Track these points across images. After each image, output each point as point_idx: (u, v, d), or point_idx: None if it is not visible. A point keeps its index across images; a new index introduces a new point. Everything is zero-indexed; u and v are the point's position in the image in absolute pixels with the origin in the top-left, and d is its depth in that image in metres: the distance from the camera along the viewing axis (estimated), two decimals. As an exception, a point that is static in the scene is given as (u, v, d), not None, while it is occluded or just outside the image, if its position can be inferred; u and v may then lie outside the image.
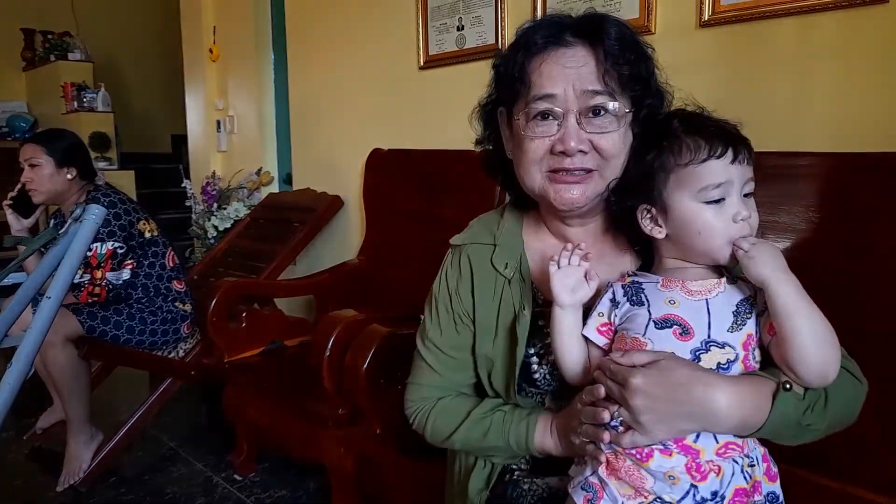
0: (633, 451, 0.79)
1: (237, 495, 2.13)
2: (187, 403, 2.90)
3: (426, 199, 2.31)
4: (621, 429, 0.80)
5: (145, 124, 6.25)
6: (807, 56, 1.51)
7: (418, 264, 2.29)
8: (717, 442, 0.78)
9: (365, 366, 1.62)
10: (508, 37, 1.56)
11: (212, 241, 3.19)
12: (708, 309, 0.81)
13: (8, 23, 5.65)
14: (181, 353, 2.39)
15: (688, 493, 0.77)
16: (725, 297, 0.82)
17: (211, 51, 3.49)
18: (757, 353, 0.82)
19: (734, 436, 0.79)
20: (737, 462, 0.79)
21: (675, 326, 0.81)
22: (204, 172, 3.59)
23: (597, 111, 0.86)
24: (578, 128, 0.86)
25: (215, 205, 3.28)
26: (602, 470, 0.82)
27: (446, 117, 2.34)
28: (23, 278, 4.44)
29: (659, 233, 0.86)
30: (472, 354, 1.04)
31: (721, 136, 0.81)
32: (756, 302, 0.82)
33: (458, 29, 2.24)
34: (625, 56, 0.86)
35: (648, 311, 0.84)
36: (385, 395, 1.66)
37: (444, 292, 1.06)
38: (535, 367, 0.99)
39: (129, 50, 6.16)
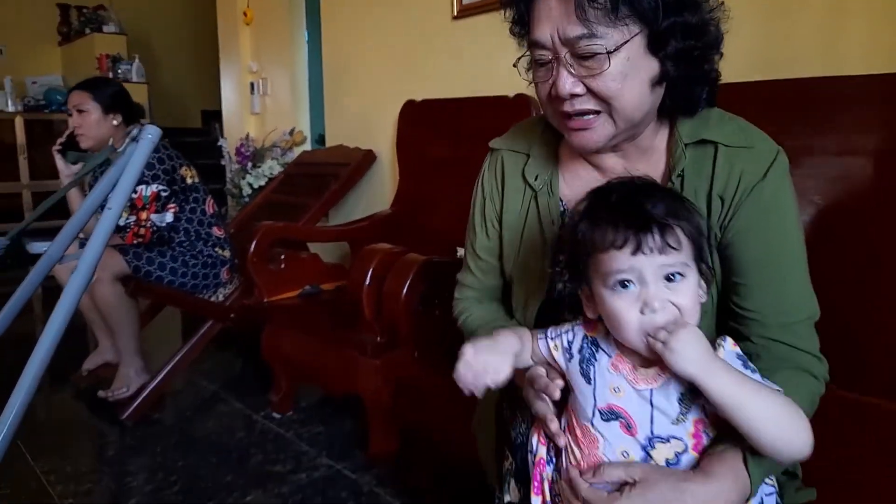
0: None
1: (276, 430, 2.21)
2: (224, 356, 2.98)
3: (459, 145, 2.35)
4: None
5: (176, 100, 6.36)
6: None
7: (452, 209, 2.34)
8: None
9: (404, 292, 1.68)
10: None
11: (246, 199, 3.26)
12: (651, 401, 0.77)
13: (44, -1, 5.79)
14: (220, 298, 2.48)
15: None
16: (674, 384, 0.77)
17: (245, 14, 3.56)
18: (710, 430, 0.78)
19: None
20: None
21: (619, 419, 0.79)
22: (238, 135, 3.66)
23: (585, 55, 0.81)
24: (568, 73, 0.83)
25: (249, 164, 3.36)
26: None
27: (481, 66, 2.37)
28: (44, 248, 4.59)
29: (592, 314, 0.82)
30: (500, 260, 1.06)
31: (625, 224, 0.75)
32: None
33: (492, -24, 2.27)
34: None
35: (594, 394, 0.81)
36: (422, 320, 1.71)
37: (480, 196, 1.07)
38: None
39: (162, 24, 6.27)
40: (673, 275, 0.75)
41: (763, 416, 0.71)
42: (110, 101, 2.32)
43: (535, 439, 0.89)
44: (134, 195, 2.24)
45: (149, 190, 2.25)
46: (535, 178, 1.00)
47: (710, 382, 0.71)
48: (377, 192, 2.86)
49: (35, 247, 5.05)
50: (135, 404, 2.25)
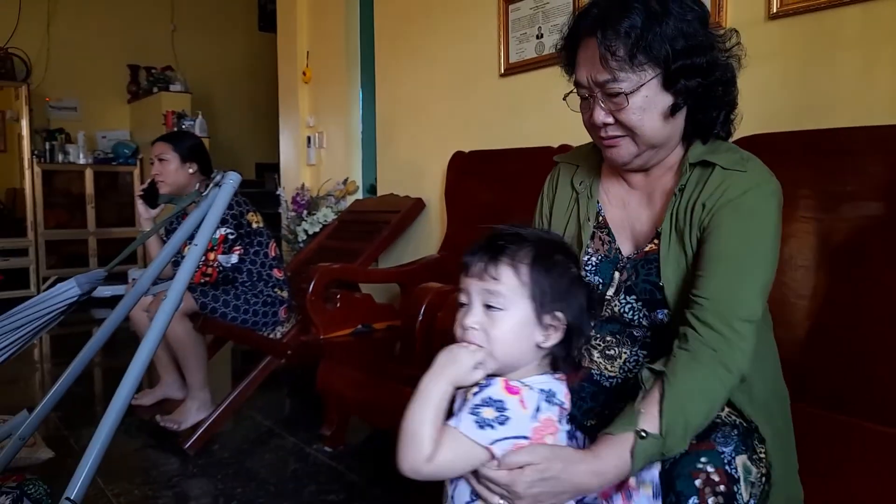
0: None
1: (328, 462, 2.30)
2: (274, 396, 3.10)
3: (506, 193, 2.49)
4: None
5: (233, 153, 6.71)
6: (871, 40, 1.62)
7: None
8: None
9: (456, 326, 1.79)
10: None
11: (301, 244, 3.45)
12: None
13: (116, 60, 6.25)
14: (278, 336, 2.62)
15: None
16: (480, 396, 0.90)
17: (304, 73, 3.83)
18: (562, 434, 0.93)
19: None
20: None
21: None
22: (294, 185, 3.88)
23: (611, 94, 0.99)
24: (600, 108, 1.02)
25: (305, 212, 3.55)
26: None
27: (526, 118, 2.53)
28: (108, 292, 4.73)
29: None
30: None
31: (471, 251, 0.92)
32: None
33: (537, 37, 2.45)
34: (619, 33, 0.95)
35: None
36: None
37: (541, 199, 1.28)
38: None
39: (223, 84, 6.68)
40: (491, 305, 0.89)
41: (406, 419, 0.85)
42: (188, 152, 2.55)
43: None
44: (204, 237, 2.42)
45: (217, 233, 2.43)
46: (580, 184, 1.21)
47: (424, 379, 0.87)
48: (426, 238, 3.00)
49: (99, 290, 5.35)
50: (197, 433, 2.37)
